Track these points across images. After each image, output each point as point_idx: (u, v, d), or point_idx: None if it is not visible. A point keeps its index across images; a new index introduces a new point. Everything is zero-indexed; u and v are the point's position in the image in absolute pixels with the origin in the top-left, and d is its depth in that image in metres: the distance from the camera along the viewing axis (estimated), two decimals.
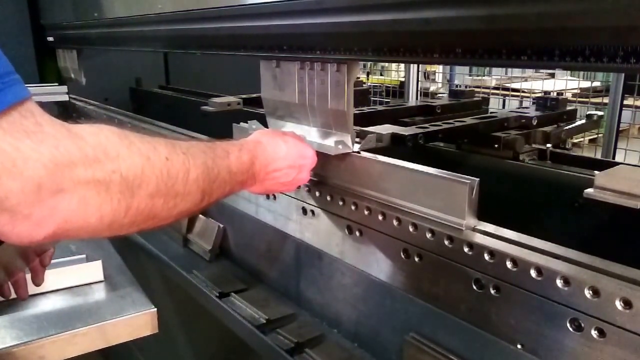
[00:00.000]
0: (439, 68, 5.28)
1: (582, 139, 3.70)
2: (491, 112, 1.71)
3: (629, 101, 3.23)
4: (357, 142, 1.10)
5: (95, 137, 0.60)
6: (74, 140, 0.57)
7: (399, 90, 4.39)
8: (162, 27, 1.61)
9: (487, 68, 4.51)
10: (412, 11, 0.84)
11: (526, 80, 4.39)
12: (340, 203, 1.06)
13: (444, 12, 0.79)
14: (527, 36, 0.71)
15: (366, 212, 1.01)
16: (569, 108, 1.63)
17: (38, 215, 0.55)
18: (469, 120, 1.47)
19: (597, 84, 4.05)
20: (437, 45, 0.83)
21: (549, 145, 1.44)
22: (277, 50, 1.14)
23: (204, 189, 0.74)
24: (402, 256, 0.94)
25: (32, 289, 1.10)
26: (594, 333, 0.68)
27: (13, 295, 1.08)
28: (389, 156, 1.03)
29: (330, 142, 1.09)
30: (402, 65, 4.30)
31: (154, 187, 0.65)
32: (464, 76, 4.86)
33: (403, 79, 4.25)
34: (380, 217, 0.97)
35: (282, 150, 0.95)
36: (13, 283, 1.06)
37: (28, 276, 1.07)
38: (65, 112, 2.56)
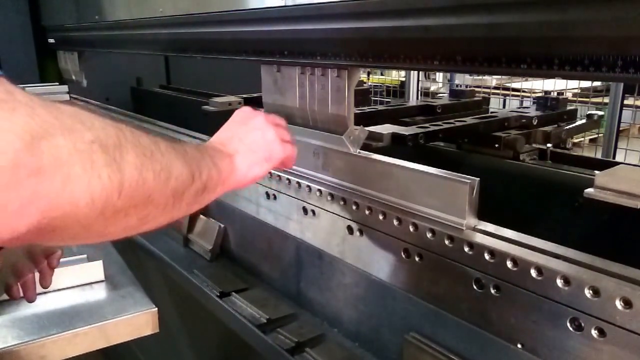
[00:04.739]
0: None
1: (582, 139, 3.70)
2: (492, 112, 1.72)
3: (629, 101, 3.23)
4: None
5: (70, 107, 0.52)
6: (49, 109, 0.49)
7: (400, 90, 4.39)
8: (163, 30, 1.61)
9: None
10: (412, 18, 0.84)
11: (526, 80, 4.38)
12: (341, 203, 1.06)
13: (444, 20, 0.80)
14: (527, 45, 0.71)
15: (367, 212, 1.01)
16: (569, 108, 1.63)
17: (16, 201, 0.44)
18: (469, 120, 1.48)
19: (597, 83, 4.04)
20: (437, 52, 0.83)
21: (549, 145, 1.44)
22: (278, 55, 1.14)
23: (183, 158, 0.65)
24: (403, 256, 0.94)
25: None
26: (594, 333, 0.68)
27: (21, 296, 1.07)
28: (389, 156, 1.03)
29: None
30: None
31: (136, 158, 0.56)
32: (464, 76, 4.83)
33: (404, 79, 4.24)
34: (380, 217, 0.98)
35: (231, 119, 0.86)
36: (22, 284, 1.05)
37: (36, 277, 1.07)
38: None
